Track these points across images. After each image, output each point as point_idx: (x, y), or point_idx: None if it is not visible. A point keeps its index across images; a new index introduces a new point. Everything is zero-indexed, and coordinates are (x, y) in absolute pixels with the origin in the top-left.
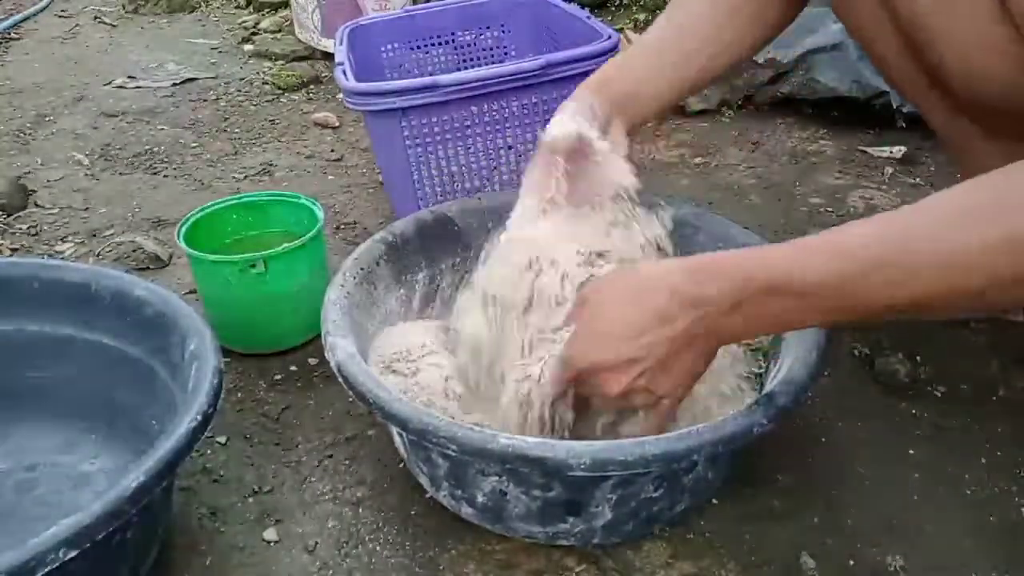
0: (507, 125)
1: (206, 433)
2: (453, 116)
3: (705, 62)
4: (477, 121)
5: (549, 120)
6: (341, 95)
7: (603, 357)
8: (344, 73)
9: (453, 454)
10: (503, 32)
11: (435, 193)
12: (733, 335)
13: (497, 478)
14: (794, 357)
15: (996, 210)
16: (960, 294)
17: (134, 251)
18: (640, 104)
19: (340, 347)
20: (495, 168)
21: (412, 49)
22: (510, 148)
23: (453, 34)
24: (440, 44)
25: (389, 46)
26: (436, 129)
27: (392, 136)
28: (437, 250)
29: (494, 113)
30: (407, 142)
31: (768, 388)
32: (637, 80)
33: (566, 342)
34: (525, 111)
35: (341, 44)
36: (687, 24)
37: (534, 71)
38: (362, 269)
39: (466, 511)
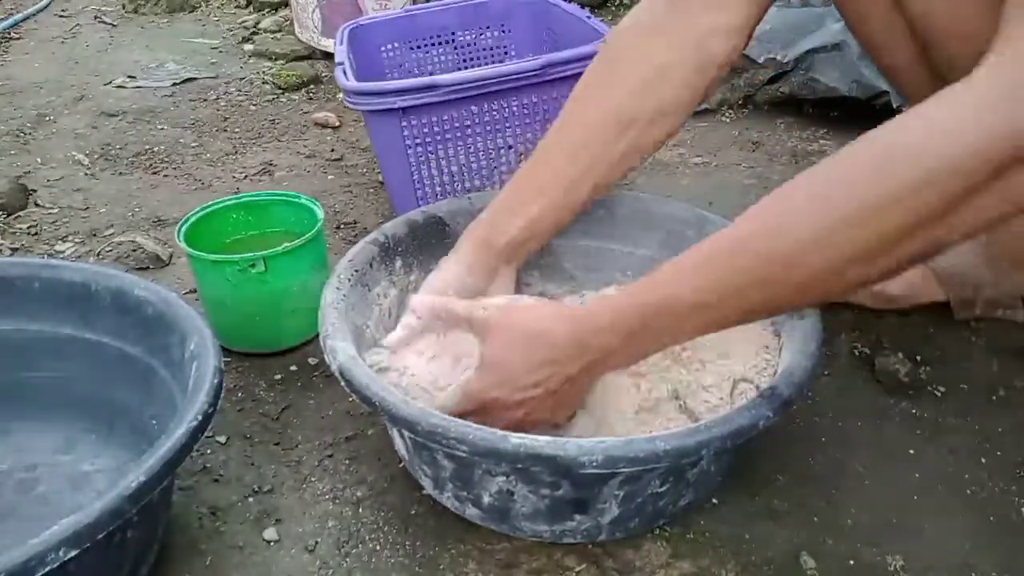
0: (507, 125)
1: (206, 433)
2: (453, 116)
3: (602, 175)
4: (477, 121)
5: (549, 120)
6: (341, 95)
7: (497, 395)
8: (344, 73)
9: (462, 455)
10: (503, 32)
11: (435, 193)
12: (616, 367)
13: (505, 478)
14: (793, 349)
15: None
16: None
17: (134, 251)
18: (534, 242)
19: (340, 350)
20: (495, 168)
21: (412, 49)
22: (510, 148)
23: (453, 34)
24: (440, 44)
25: (389, 46)
26: (436, 129)
27: (392, 136)
28: (429, 251)
29: (494, 113)
30: (407, 142)
31: (770, 382)
32: (531, 223)
33: (468, 378)
34: (525, 111)
35: (341, 44)
36: (581, 137)
37: (534, 71)
38: (356, 271)
39: (471, 512)
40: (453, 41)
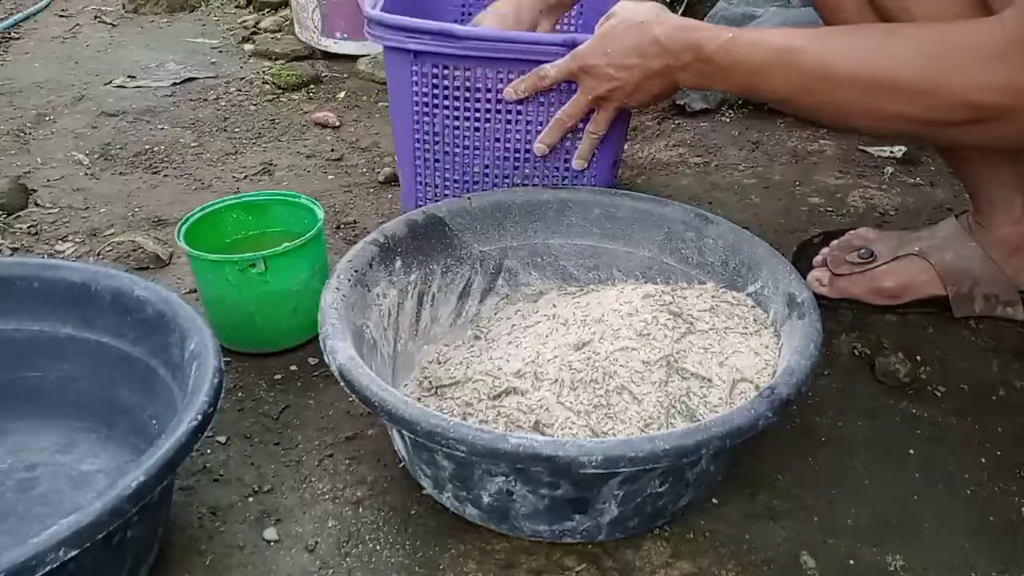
0: (521, 100)
1: (206, 433)
2: (465, 73)
3: None
4: (490, 87)
5: (563, 99)
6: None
7: (595, 63)
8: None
9: (461, 455)
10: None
11: (433, 153)
12: (684, 83)
13: (504, 478)
14: (793, 349)
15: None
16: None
17: (134, 251)
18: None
19: (340, 350)
20: (501, 142)
21: None
22: (519, 123)
23: None
24: None
25: None
26: (446, 83)
27: (402, 79)
28: (429, 251)
29: (510, 81)
30: (414, 88)
31: (770, 382)
32: None
33: (580, 45)
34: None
35: None
36: None
37: (557, 45)
38: (356, 271)
39: (471, 512)
40: None
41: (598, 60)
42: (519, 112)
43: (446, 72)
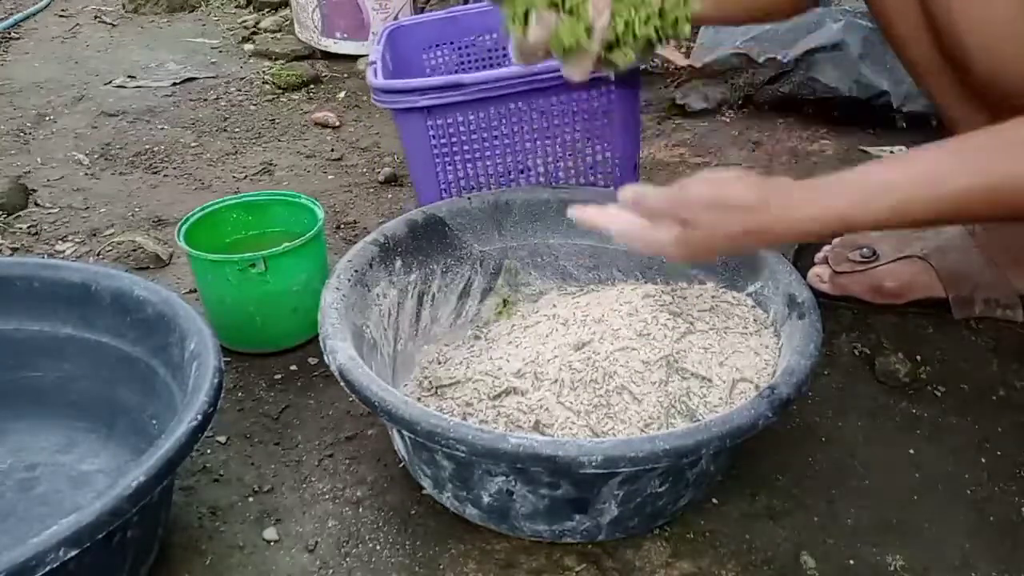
0: (534, 126)
1: (206, 433)
2: (479, 115)
3: None
4: (504, 121)
5: (578, 121)
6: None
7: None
8: (374, 72)
9: (461, 455)
10: None
11: (460, 193)
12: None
13: (504, 478)
14: (793, 349)
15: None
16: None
17: (134, 251)
18: None
19: (340, 350)
20: (521, 169)
21: (456, 50)
22: (537, 148)
23: (493, 35)
24: (483, 44)
25: (431, 47)
26: (462, 128)
27: (418, 134)
28: (429, 251)
29: (521, 113)
30: (432, 141)
31: (770, 382)
32: None
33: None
34: (553, 111)
35: (379, 44)
36: None
37: (558, 71)
38: (356, 271)
39: (471, 512)
40: (495, 41)
41: (684, 255)
42: (539, 137)
43: (460, 119)
